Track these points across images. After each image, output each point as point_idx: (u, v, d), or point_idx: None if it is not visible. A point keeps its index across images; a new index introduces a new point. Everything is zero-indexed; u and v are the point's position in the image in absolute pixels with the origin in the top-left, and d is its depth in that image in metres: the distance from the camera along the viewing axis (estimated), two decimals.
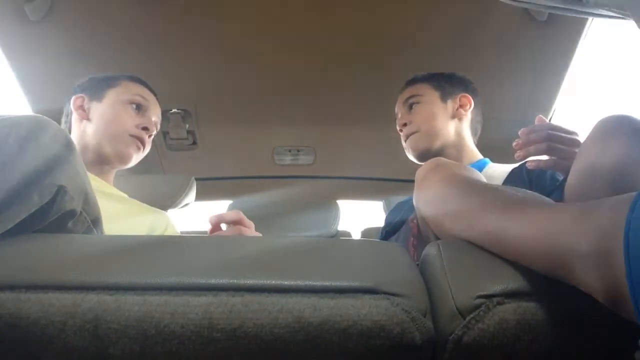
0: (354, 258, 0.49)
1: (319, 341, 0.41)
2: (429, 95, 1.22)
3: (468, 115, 1.23)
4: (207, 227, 0.91)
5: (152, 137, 1.17)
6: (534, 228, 0.45)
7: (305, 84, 1.45)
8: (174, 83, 1.42)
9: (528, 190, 0.58)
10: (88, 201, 0.63)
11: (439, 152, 1.17)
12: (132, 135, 1.11)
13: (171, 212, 1.44)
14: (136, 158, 1.14)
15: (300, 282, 0.43)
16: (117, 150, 1.10)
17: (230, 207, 1.84)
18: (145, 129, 1.13)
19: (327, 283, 0.43)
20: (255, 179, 1.79)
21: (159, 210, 1.16)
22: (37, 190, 0.53)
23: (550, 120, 1.50)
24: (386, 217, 1.34)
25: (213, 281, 0.43)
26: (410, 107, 1.22)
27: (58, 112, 1.17)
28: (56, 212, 0.56)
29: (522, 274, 0.44)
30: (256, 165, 1.75)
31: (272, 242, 0.55)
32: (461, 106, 1.22)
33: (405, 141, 1.21)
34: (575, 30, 1.28)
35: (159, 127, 1.20)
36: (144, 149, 1.14)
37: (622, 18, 0.56)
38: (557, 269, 0.42)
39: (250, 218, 0.89)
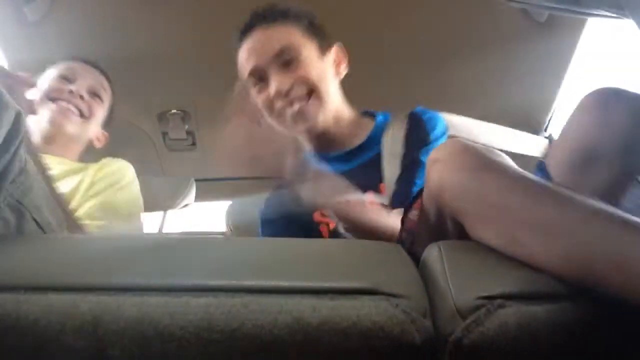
0: (353, 259, 0.49)
1: (319, 342, 0.41)
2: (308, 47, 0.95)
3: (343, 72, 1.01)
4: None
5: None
6: None
7: None
8: (174, 84, 1.42)
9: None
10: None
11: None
12: None
13: (171, 213, 1.44)
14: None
15: (299, 283, 0.43)
16: None
17: (230, 208, 1.84)
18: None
19: (326, 284, 0.43)
20: (254, 180, 1.79)
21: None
22: None
23: (550, 121, 1.50)
24: (264, 213, 1.11)
25: (212, 282, 0.43)
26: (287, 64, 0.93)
27: None
28: None
29: (523, 277, 0.44)
30: None
31: (271, 243, 0.55)
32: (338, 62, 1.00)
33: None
34: (574, 31, 1.28)
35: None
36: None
37: (621, 18, 0.56)
38: None
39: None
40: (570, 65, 1.36)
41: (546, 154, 1.09)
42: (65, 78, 1.15)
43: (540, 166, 0.67)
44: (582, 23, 1.26)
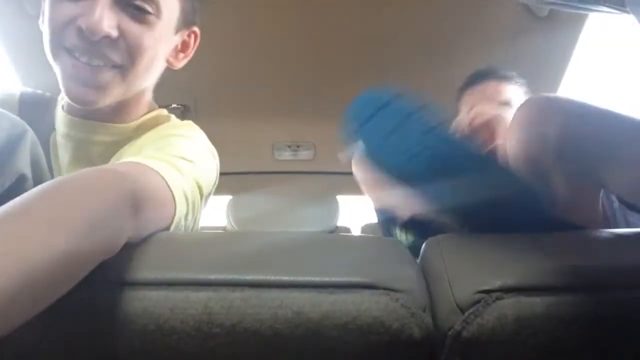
0: (353, 253, 0.49)
1: (319, 336, 0.41)
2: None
3: None
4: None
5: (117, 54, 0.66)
6: None
7: (305, 79, 1.45)
8: (173, 79, 1.42)
9: None
10: None
11: None
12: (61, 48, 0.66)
13: None
14: (77, 89, 0.67)
15: (299, 278, 0.43)
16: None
17: (230, 203, 1.84)
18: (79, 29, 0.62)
19: (326, 278, 0.43)
20: (254, 175, 1.79)
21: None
22: None
23: None
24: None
25: (212, 276, 0.43)
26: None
27: None
28: None
29: (521, 270, 0.45)
30: (256, 161, 1.75)
31: (272, 238, 0.55)
32: None
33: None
34: (575, 26, 1.28)
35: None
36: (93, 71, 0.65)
37: (622, 13, 0.56)
38: None
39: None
40: (571, 60, 1.36)
41: None
42: None
43: None
44: (583, 18, 1.26)
